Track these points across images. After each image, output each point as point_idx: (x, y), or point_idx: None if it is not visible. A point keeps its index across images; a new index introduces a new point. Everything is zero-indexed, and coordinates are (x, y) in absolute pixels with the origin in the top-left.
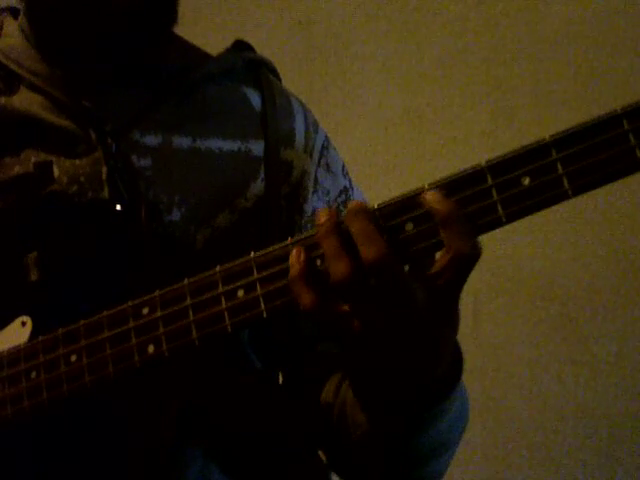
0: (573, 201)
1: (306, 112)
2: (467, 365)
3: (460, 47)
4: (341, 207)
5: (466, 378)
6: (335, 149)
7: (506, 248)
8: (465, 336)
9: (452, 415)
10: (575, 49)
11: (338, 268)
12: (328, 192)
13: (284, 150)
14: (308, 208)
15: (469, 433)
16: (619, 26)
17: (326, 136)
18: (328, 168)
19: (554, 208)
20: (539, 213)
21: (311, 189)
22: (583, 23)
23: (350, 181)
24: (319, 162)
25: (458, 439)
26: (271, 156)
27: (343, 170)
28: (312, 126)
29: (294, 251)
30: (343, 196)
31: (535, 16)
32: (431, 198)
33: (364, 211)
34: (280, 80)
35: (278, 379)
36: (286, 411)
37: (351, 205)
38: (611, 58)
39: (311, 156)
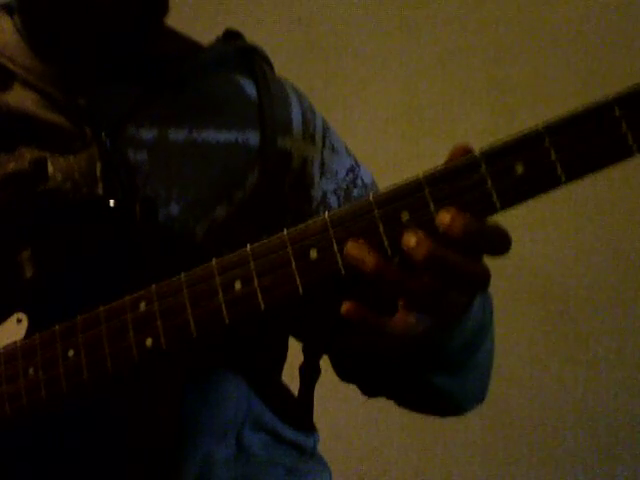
0: (572, 199)
1: (301, 97)
2: None
3: (460, 46)
4: (350, 186)
5: None
6: (334, 129)
7: None
8: None
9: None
10: (575, 49)
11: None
12: (336, 173)
13: (282, 139)
14: (316, 193)
15: (469, 433)
16: (619, 26)
17: (323, 118)
18: (333, 148)
19: (553, 206)
20: (538, 212)
21: (318, 173)
22: (583, 23)
23: (355, 159)
24: (324, 144)
25: (491, 320)
26: (267, 145)
27: (346, 149)
28: (309, 110)
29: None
30: (351, 175)
31: (535, 16)
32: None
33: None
34: (272, 67)
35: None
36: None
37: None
38: (611, 58)
39: (313, 140)
